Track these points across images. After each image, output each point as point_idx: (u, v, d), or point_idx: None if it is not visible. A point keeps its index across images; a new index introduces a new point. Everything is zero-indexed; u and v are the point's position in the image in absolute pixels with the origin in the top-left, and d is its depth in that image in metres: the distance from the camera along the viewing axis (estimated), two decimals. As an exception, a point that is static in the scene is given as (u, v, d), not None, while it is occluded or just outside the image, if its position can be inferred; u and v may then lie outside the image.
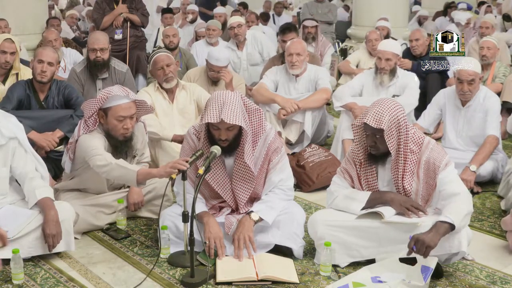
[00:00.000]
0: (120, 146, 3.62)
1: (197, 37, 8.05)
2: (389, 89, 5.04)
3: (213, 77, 5.27)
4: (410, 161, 3.15)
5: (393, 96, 4.93)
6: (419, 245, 2.89)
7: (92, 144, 3.51)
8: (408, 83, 4.99)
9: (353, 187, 3.32)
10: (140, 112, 3.72)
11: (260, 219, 3.27)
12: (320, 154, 4.65)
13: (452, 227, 2.91)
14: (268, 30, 9.42)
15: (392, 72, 5.03)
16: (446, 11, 11.74)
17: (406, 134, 3.12)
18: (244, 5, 11.36)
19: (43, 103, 4.39)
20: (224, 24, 8.18)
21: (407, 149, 3.13)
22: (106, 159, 3.41)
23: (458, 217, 2.94)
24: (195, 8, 9.24)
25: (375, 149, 3.16)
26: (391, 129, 3.08)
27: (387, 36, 7.56)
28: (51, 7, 11.13)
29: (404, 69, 5.59)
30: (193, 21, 8.92)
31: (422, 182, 3.18)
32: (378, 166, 3.24)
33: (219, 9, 9.69)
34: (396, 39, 7.77)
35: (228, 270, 3.10)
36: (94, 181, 3.74)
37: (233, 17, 7.60)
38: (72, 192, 3.79)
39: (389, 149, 3.11)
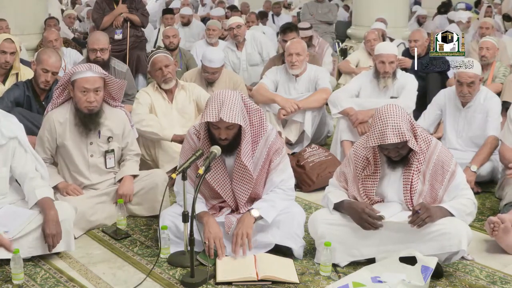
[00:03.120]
0: (85, 119, 3.68)
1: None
2: (387, 91, 5.02)
3: (207, 78, 5.27)
4: (418, 160, 3.16)
5: (391, 97, 4.91)
6: (424, 211, 3.04)
7: (38, 144, 3.75)
8: (406, 84, 4.96)
9: (347, 189, 3.33)
10: (113, 87, 3.78)
11: (260, 217, 3.27)
12: (320, 154, 4.65)
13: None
14: (268, 30, 9.41)
15: (394, 74, 5.00)
16: (444, 10, 11.75)
17: (416, 132, 3.15)
18: (233, 7, 11.33)
19: (43, 103, 4.39)
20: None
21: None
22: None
23: (460, 213, 3.11)
24: (188, 11, 9.23)
25: (399, 156, 3.17)
26: (409, 133, 3.09)
27: (383, 37, 7.56)
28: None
29: (403, 69, 5.58)
30: (186, 24, 8.91)
31: (428, 183, 3.19)
32: (385, 169, 3.25)
33: (216, 11, 9.69)
34: (393, 39, 7.80)
35: (228, 270, 3.10)
36: (71, 162, 3.79)
37: (232, 17, 7.60)
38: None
39: (415, 149, 3.12)
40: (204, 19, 10.37)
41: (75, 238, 3.44)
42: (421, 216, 3.03)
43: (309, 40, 7.21)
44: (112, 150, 3.86)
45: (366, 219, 3.11)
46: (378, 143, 3.08)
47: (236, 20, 6.95)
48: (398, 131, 3.03)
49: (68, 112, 3.73)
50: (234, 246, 3.20)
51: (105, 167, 3.85)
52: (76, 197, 3.70)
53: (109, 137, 3.82)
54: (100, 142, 3.81)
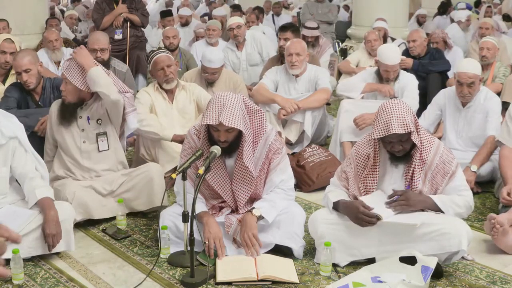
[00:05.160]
0: (61, 105, 3.82)
1: (197, 37, 8.05)
2: (389, 91, 5.03)
3: (207, 78, 5.28)
4: (420, 158, 3.16)
5: (392, 97, 4.92)
6: (402, 198, 3.12)
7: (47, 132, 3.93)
8: (407, 84, 4.97)
9: (348, 189, 3.33)
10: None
11: (261, 217, 3.27)
12: (320, 154, 4.65)
13: (438, 210, 3.15)
14: (268, 30, 9.41)
15: (397, 77, 5.02)
16: (443, 10, 11.74)
17: (419, 129, 3.16)
18: (236, 7, 11.32)
19: (39, 102, 4.40)
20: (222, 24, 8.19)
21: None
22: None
23: (447, 208, 3.13)
24: (187, 12, 9.22)
25: (403, 151, 3.16)
26: (413, 126, 3.10)
27: (385, 37, 7.57)
28: (52, 8, 11.12)
29: (404, 69, 5.58)
30: (184, 25, 8.91)
31: (428, 183, 3.19)
32: (387, 167, 3.24)
33: (218, 11, 9.69)
34: (394, 39, 7.80)
35: (228, 270, 3.10)
36: (64, 150, 3.86)
37: (232, 17, 7.60)
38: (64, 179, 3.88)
39: (417, 143, 3.11)
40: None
41: (75, 223, 3.46)
42: (398, 204, 3.11)
43: (315, 40, 7.21)
44: (105, 133, 3.87)
45: (362, 218, 3.11)
46: (383, 134, 3.07)
47: (236, 20, 6.95)
48: (403, 122, 3.04)
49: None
50: (247, 250, 3.21)
51: (97, 150, 3.87)
52: (75, 185, 3.75)
53: (98, 119, 3.85)
54: (91, 127, 3.84)
